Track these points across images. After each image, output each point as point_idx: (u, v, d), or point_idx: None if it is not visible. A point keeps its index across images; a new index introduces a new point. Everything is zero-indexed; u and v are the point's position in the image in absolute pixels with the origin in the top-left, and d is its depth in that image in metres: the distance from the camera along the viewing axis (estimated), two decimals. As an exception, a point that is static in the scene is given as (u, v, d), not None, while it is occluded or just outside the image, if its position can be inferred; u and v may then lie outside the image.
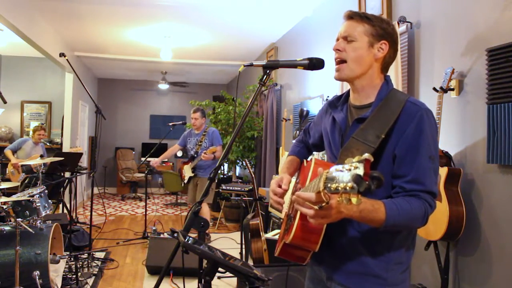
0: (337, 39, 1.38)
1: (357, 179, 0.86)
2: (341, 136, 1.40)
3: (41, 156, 4.51)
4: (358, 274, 1.32)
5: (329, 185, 0.93)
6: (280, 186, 1.46)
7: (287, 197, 1.51)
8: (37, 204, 3.28)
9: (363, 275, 1.31)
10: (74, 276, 3.61)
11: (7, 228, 3.11)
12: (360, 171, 0.86)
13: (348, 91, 1.47)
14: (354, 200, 0.88)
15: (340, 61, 1.36)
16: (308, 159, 1.60)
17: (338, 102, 1.48)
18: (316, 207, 1.08)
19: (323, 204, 1.05)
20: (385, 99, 1.32)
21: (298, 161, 1.66)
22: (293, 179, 1.58)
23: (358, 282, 1.32)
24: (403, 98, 1.30)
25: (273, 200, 1.47)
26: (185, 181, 5.46)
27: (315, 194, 1.06)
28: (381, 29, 1.34)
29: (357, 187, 0.86)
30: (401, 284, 1.33)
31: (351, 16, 1.36)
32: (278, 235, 3.91)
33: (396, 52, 1.39)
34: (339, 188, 0.90)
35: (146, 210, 5.62)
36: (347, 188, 0.88)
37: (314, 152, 1.76)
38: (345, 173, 0.89)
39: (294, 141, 1.79)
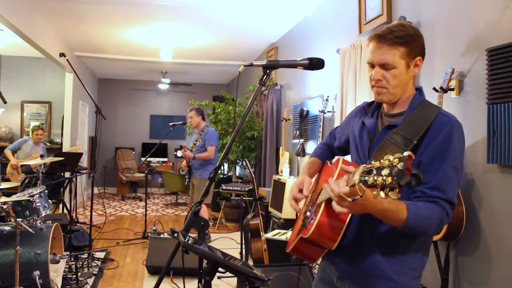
0: (371, 65, 1.35)
1: (398, 173, 0.89)
2: (370, 140, 1.41)
3: (41, 156, 4.51)
4: (370, 276, 1.33)
5: (365, 178, 0.95)
6: (301, 191, 1.49)
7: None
8: (37, 204, 3.28)
9: (375, 277, 1.32)
10: (74, 276, 3.60)
11: (7, 228, 3.11)
12: (402, 166, 0.89)
13: None
14: (392, 194, 0.90)
15: (382, 87, 1.35)
16: (333, 160, 1.61)
17: (369, 109, 1.50)
18: (349, 199, 1.09)
19: (357, 197, 1.06)
20: (417, 108, 1.34)
21: (319, 162, 1.67)
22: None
23: (370, 283, 1.33)
24: (435, 109, 1.32)
25: (293, 206, 1.50)
26: (186, 177, 5.47)
27: (349, 187, 1.08)
28: (414, 45, 1.32)
29: (398, 181, 0.88)
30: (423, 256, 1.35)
31: (383, 39, 1.31)
32: (280, 235, 3.92)
33: (425, 54, 1.38)
34: (377, 182, 0.92)
35: (146, 210, 5.61)
36: (386, 182, 0.90)
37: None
38: (385, 167, 0.92)
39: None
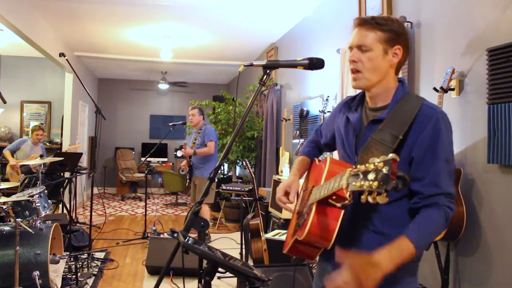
0: (350, 48, 1.38)
1: (384, 178, 0.88)
2: (356, 136, 1.41)
3: (41, 156, 4.51)
4: None
5: (353, 183, 0.95)
6: (287, 193, 1.50)
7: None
8: (37, 204, 3.28)
9: None
10: (74, 276, 3.60)
11: (7, 228, 3.11)
12: (387, 170, 0.88)
13: (363, 93, 1.47)
14: (379, 199, 0.89)
15: (357, 71, 1.36)
16: (321, 158, 1.61)
17: (353, 103, 1.49)
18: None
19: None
20: (401, 101, 1.33)
21: (308, 161, 1.67)
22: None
23: None
24: (419, 101, 1.32)
25: (283, 207, 1.53)
26: (187, 178, 5.47)
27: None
28: (393, 33, 1.33)
29: (384, 186, 0.88)
30: (411, 278, 1.35)
31: (362, 23, 1.34)
32: (280, 235, 3.91)
33: (409, 51, 1.39)
34: (364, 186, 0.91)
35: (146, 210, 5.61)
36: (373, 186, 0.89)
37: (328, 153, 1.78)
38: (370, 171, 0.91)
39: (304, 141, 1.80)
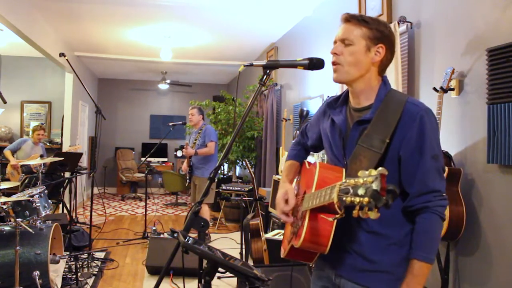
0: (335, 42, 1.39)
1: (374, 195, 0.87)
2: (342, 139, 1.41)
3: (41, 156, 4.51)
4: (367, 271, 1.33)
5: (344, 198, 0.95)
6: (287, 201, 1.45)
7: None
8: (37, 204, 3.28)
9: (373, 272, 1.33)
10: (74, 276, 3.60)
11: (7, 228, 3.11)
12: (376, 186, 0.87)
13: (347, 93, 1.47)
14: (371, 214, 0.89)
15: (337, 63, 1.37)
16: (312, 160, 1.60)
17: (336, 103, 1.49)
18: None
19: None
20: (385, 100, 1.33)
21: (297, 164, 1.66)
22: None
23: (367, 278, 1.33)
24: (402, 98, 1.32)
25: (285, 220, 1.45)
26: (187, 178, 5.48)
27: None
28: (378, 32, 1.34)
29: (375, 203, 0.87)
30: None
31: (349, 19, 1.37)
32: (280, 235, 3.91)
33: (393, 54, 1.40)
34: (355, 202, 0.91)
35: (146, 210, 5.61)
36: (364, 202, 0.89)
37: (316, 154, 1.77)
38: (360, 186, 0.91)
39: (292, 142, 1.78)
